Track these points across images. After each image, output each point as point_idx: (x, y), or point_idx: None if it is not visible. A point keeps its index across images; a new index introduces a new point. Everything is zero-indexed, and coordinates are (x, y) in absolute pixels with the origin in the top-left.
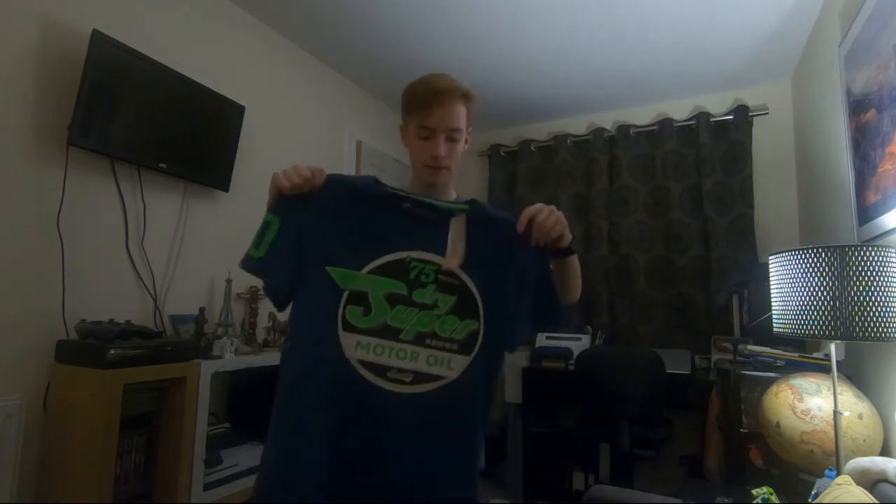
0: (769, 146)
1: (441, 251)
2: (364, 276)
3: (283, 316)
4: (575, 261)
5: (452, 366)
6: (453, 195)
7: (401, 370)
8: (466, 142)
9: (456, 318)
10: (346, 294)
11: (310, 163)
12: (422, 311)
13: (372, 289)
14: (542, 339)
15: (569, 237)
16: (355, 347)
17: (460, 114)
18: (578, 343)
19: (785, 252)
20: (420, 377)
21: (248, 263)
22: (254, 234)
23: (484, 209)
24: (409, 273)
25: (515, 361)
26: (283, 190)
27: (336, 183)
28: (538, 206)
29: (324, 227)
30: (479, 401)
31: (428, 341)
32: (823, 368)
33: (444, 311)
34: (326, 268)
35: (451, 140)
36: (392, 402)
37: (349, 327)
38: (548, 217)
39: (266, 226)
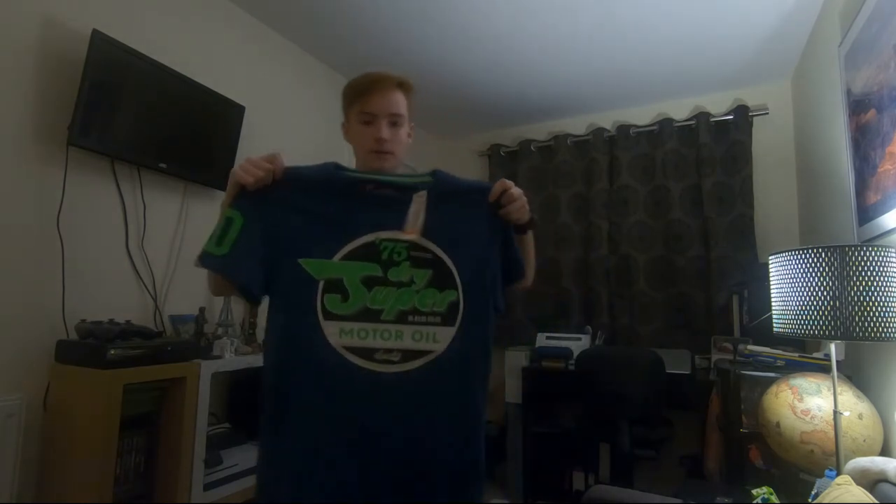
0: (769, 146)
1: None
2: (337, 264)
3: None
4: (531, 238)
5: (438, 338)
6: None
7: (387, 350)
8: (410, 136)
9: (435, 291)
10: (321, 283)
11: (309, 163)
12: (400, 290)
13: (347, 275)
14: (542, 340)
15: (528, 214)
16: (339, 335)
17: (399, 100)
18: (578, 343)
19: (785, 252)
20: (408, 354)
21: (209, 260)
22: (214, 229)
23: (448, 178)
24: (382, 254)
25: (515, 361)
26: (247, 185)
27: (295, 175)
28: (510, 182)
29: (289, 221)
30: (472, 371)
31: (410, 318)
32: (823, 368)
33: (422, 285)
34: (299, 260)
35: (394, 125)
36: (384, 383)
37: (330, 315)
38: (518, 197)
39: (229, 222)
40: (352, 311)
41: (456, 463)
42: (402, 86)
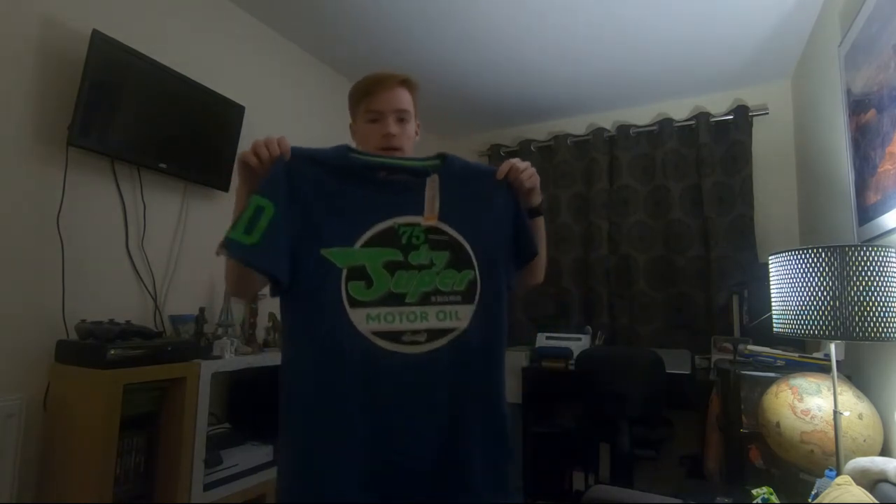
0: (769, 146)
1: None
2: (359, 251)
3: None
4: (541, 223)
5: (460, 316)
6: None
7: (414, 332)
8: (417, 133)
9: (454, 272)
10: (344, 272)
11: None
12: (421, 272)
13: (369, 261)
14: (542, 340)
15: (539, 197)
16: (366, 320)
17: (405, 97)
18: (578, 343)
19: (785, 252)
20: (434, 334)
21: (237, 249)
22: (241, 216)
23: (456, 160)
24: (401, 238)
25: (515, 361)
26: (252, 165)
27: (309, 159)
28: (516, 158)
29: (309, 209)
30: (494, 345)
31: (433, 298)
32: (823, 368)
33: (441, 266)
34: (321, 251)
35: (400, 121)
36: (413, 363)
37: (355, 303)
38: (526, 168)
39: (259, 211)
40: (377, 297)
41: (486, 432)
42: (407, 83)
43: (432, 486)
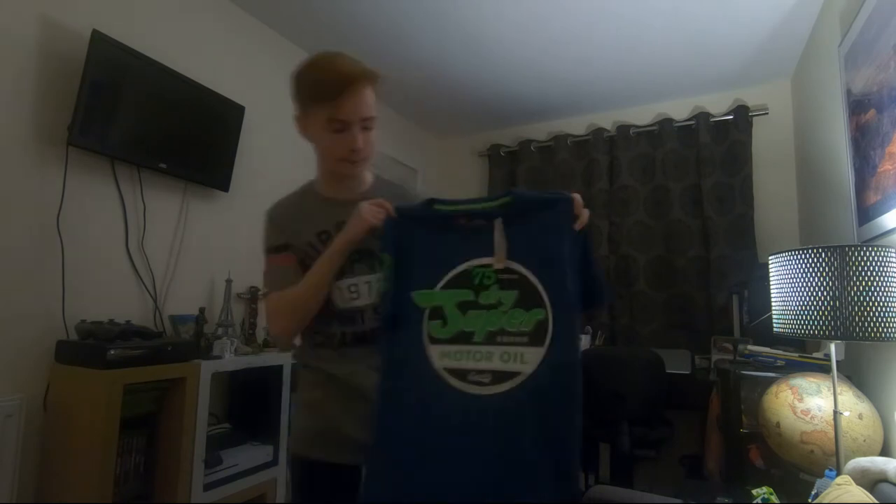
0: (769, 146)
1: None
2: (438, 293)
3: None
4: None
5: (526, 359)
6: (369, 179)
7: (479, 371)
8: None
9: (522, 311)
10: (427, 311)
11: (309, 163)
12: (489, 311)
13: (445, 302)
14: None
15: None
16: (440, 357)
17: (371, 98)
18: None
19: (785, 252)
20: (498, 376)
21: (384, 299)
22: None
23: (525, 195)
24: (474, 279)
25: None
26: (375, 224)
27: (406, 216)
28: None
29: (409, 257)
30: (563, 393)
31: (499, 338)
32: (823, 368)
33: (509, 306)
34: (412, 293)
35: (366, 129)
36: (475, 405)
37: (433, 340)
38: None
39: (386, 263)
40: (450, 335)
41: (547, 488)
42: (371, 79)
43: None
